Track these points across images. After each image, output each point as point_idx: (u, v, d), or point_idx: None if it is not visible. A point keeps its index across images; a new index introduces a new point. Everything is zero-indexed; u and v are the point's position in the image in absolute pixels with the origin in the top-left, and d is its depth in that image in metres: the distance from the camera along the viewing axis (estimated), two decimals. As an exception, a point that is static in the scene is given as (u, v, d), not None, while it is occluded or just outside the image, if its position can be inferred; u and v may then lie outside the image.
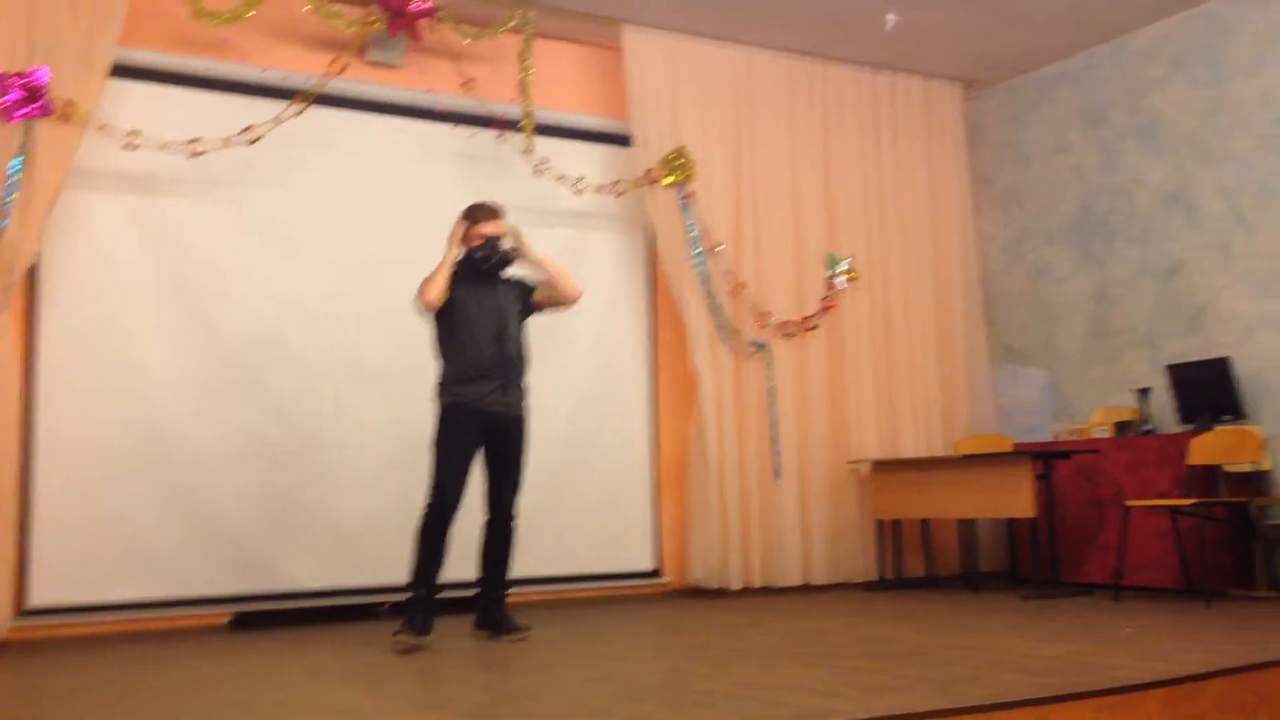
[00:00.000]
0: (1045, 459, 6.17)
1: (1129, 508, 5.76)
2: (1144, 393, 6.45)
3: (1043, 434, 7.20)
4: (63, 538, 5.31)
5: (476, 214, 4.90)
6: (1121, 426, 6.56)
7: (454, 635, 4.89)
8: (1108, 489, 6.33)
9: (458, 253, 4.83)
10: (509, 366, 4.84)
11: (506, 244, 4.88)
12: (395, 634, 4.53)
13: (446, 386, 4.80)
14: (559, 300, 5.03)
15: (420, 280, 4.78)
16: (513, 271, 4.98)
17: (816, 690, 3.30)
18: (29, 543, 5.26)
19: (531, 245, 4.93)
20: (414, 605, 4.62)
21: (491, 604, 4.92)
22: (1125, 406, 6.64)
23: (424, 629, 4.57)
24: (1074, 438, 6.74)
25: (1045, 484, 6.17)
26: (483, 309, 4.81)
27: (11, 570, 5.14)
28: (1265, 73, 6.26)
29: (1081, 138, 7.25)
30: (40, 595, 5.27)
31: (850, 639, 4.57)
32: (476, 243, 4.84)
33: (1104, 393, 6.97)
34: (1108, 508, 6.31)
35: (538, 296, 5.01)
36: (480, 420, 4.75)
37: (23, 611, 5.22)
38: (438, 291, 4.73)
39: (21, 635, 5.16)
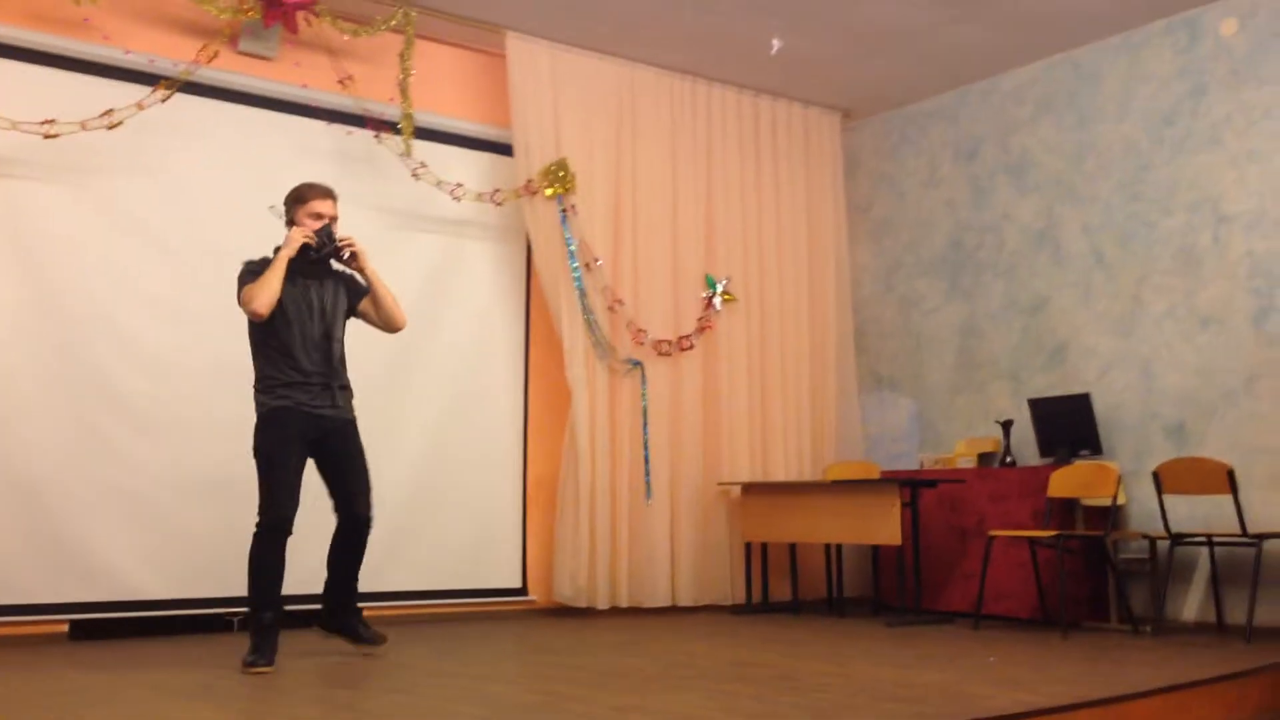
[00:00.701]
0: (912, 487, 6.24)
1: (992, 538, 5.86)
2: (1007, 425, 6.60)
3: (909, 462, 7.31)
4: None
5: (307, 193, 4.52)
6: (985, 458, 6.69)
7: (308, 652, 4.66)
8: (970, 518, 6.44)
9: (290, 252, 4.41)
10: (335, 370, 4.52)
11: (343, 242, 4.53)
12: (247, 665, 4.18)
13: (270, 388, 4.41)
14: (381, 324, 4.73)
15: (241, 280, 4.43)
16: (339, 265, 4.65)
17: (695, 716, 3.22)
18: None
19: (369, 260, 4.61)
20: (262, 631, 4.28)
21: (346, 610, 4.64)
22: (989, 438, 6.79)
23: (269, 657, 4.23)
24: (939, 467, 6.86)
25: (911, 512, 6.25)
26: (310, 305, 4.46)
27: None
28: (1129, 120, 6.49)
29: (954, 172, 7.41)
30: None
31: (722, 663, 4.52)
32: (310, 225, 4.47)
33: (969, 424, 7.11)
34: (970, 537, 6.42)
35: (362, 306, 4.69)
36: (309, 425, 4.41)
37: None
38: (269, 297, 4.32)
39: None
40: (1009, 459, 6.54)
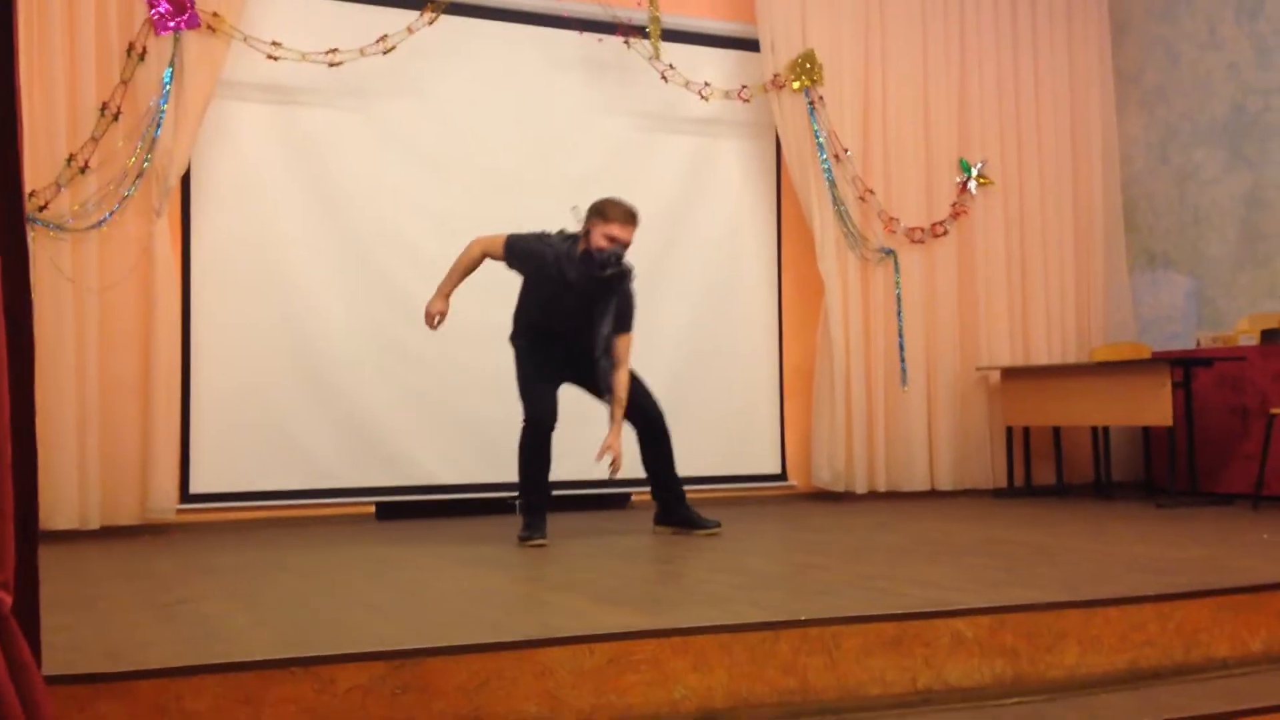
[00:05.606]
0: (1185, 366, 5.99)
1: (1274, 415, 5.58)
2: (1294, 299, 6.21)
3: (1184, 342, 6.98)
4: (220, 431, 5.65)
5: (610, 212, 4.54)
6: (1269, 334, 6.32)
7: (579, 531, 5.05)
8: (1252, 398, 6.13)
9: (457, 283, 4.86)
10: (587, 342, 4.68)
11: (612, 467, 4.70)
12: (522, 539, 4.64)
13: (520, 327, 4.85)
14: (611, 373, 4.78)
15: (507, 244, 4.75)
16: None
17: (939, 584, 3.33)
18: (190, 435, 5.61)
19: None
20: (531, 510, 4.73)
21: (671, 502, 4.98)
22: (1274, 313, 6.39)
23: (541, 531, 4.66)
24: (1217, 345, 6.53)
25: (1184, 392, 6.01)
26: (568, 311, 4.65)
27: (175, 460, 5.48)
28: None
29: (1236, 31, 6.88)
30: (200, 483, 5.63)
31: (976, 539, 4.57)
32: (602, 245, 4.52)
33: (1253, 300, 6.71)
34: (1251, 417, 6.12)
35: (608, 342, 4.69)
36: (557, 345, 4.75)
37: (186, 497, 5.59)
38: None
39: (185, 519, 5.53)
40: (1296, 335, 6.15)
